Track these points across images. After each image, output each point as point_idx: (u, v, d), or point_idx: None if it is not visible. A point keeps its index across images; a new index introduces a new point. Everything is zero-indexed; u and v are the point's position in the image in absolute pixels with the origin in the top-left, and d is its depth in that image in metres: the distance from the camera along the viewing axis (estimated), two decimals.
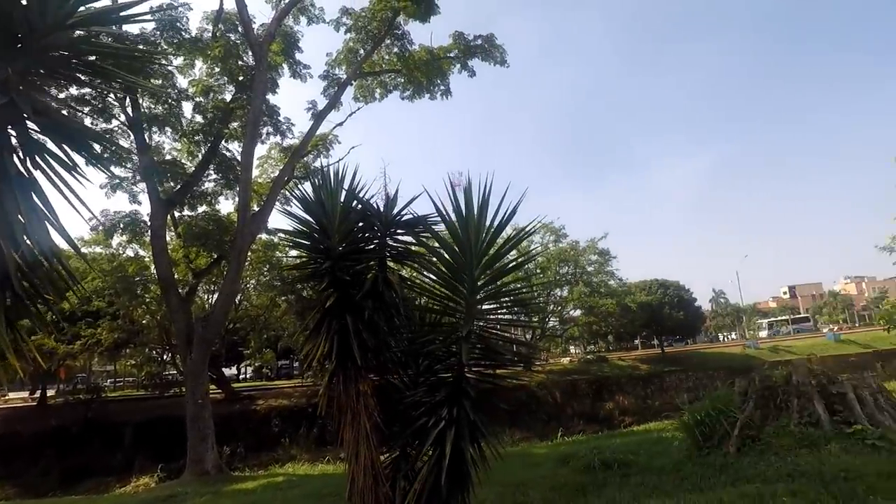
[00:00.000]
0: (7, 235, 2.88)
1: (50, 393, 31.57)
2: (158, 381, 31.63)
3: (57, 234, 3.27)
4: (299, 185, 7.30)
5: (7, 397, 34.76)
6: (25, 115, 2.95)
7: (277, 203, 19.16)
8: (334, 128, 23.29)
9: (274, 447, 24.32)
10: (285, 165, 20.91)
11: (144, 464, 22.99)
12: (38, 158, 3.15)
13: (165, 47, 17.64)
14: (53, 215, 3.29)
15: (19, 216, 3.03)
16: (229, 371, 37.73)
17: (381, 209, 5.35)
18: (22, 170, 3.13)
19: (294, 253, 7.77)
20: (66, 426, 26.24)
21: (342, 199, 5.15)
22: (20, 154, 3.15)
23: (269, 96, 21.09)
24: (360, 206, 5.26)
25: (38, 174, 3.13)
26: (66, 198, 3.23)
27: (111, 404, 29.33)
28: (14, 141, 3.09)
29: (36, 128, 3.19)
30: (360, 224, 5.29)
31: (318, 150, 23.76)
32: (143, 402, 30.21)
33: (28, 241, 3.07)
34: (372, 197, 5.42)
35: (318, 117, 21.22)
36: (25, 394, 35.35)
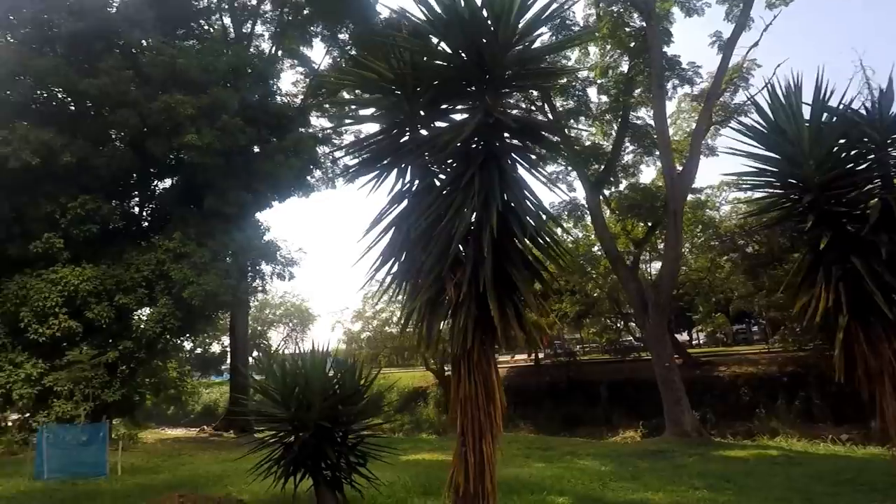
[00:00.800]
0: (513, 223, 3.63)
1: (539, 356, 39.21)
2: (617, 346, 34.74)
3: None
4: (740, 121, 6.38)
5: (515, 358, 45.22)
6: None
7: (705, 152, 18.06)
8: (748, 52, 19.98)
9: (747, 417, 22.58)
10: (701, 113, 19.30)
11: (620, 419, 25.53)
12: (514, 155, 3.96)
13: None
14: (534, 204, 4.02)
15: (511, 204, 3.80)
16: (681, 337, 37.62)
17: (871, 113, 4.04)
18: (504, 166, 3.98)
19: (735, 198, 6.85)
20: (555, 382, 32.05)
21: (807, 118, 4.15)
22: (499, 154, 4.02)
23: (665, 49, 19.96)
24: (834, 118, 4.12)
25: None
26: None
27: (584, 366, 33.94)
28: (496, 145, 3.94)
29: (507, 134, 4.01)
30: (842, 141, 4.12)
31: (734, 85, 20.89)
32: (608, 364, 33.62)
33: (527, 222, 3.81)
34: (848, 104, 4.19)
35: (727, 46, 18.65)
36: (524, 355, 45.18)
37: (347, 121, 20.08)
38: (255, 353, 36.54)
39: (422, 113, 4.72)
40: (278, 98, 21.03)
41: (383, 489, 7.01)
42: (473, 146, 4.32)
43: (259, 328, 40.94)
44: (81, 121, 16.79)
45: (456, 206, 4.18)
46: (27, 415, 16.38)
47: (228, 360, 40.08)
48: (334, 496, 5.56)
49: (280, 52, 23.83)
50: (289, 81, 24.29)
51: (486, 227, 3.94)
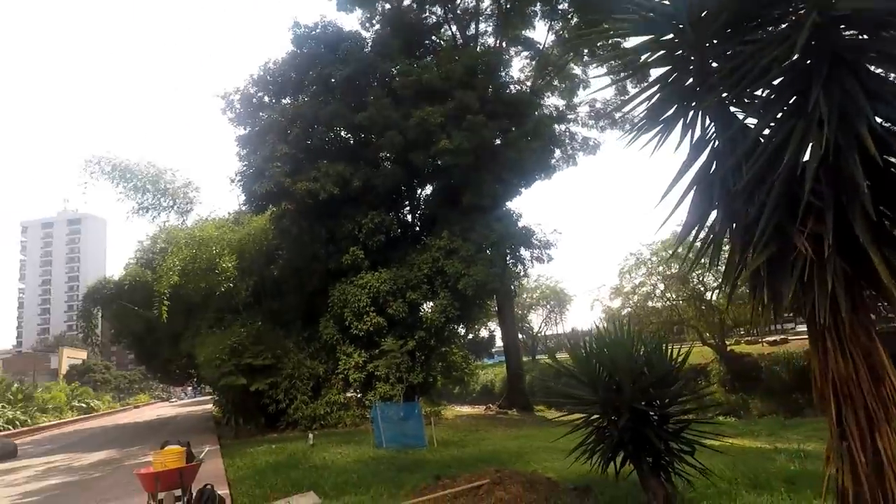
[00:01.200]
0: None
1: None
2: None
3: None
4: None
5: None
6: None
7: None
8: None
9: None
10: None
11: None
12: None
13: None
14: None
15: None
16: None
17: None
18: None
19: None
20: None
21: None
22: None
23: None
24: None
25: None
26: None
27: None
28: None
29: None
30: None
31: None
32: None
33: None
34: None
35: None
36: None
37: (609, 78, 19.15)
38: (520, 336, 38.61)
39: (714, 42, 3.88)
40: (511, 88, 21.57)
41: (701, 480, 6.29)
42: (802, 59, 3.34)
43: (519, 312, 43.02)
44: (360, 150, 20.02)
45: (797, 138, 3.29)
46: (359, 395, 20.37)
47: (500, 344, 43.33)
48: (661, 484, 5.14)
49: (504, 43, 24.43)
50: (517, 69, 24.75)
51: (851, 154, 3.00)
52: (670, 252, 33.66)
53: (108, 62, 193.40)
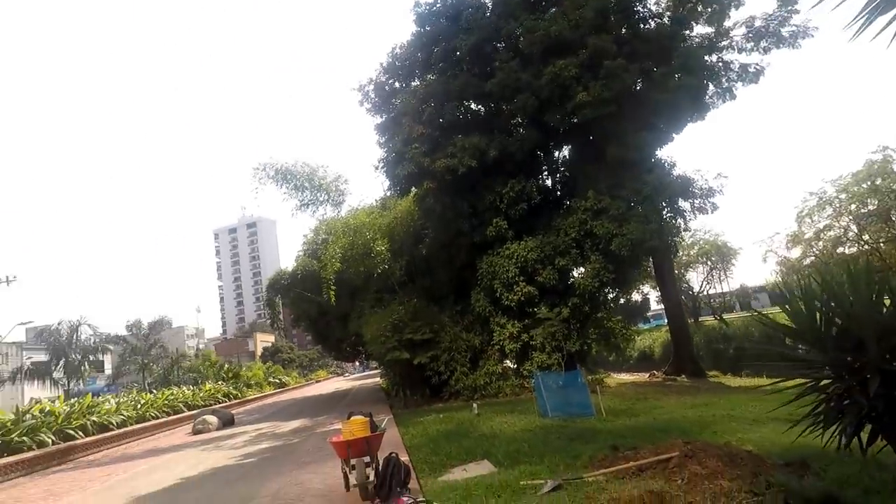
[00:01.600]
0: None
1: None
2: None
3: None
4: None
5: None
6: None
7: None
8: None
9: None
10: None
11: None
12: None
13: None
14: None
15: None
16: None
17: None
18: None
19: None
20: None
21: None
22: None
23: None
24: None
25: None
26: None
27: None
28: None
29: None
30: None
31: None
32: None
33: None
34: None
35: None
36: None
37: None
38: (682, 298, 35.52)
39: None
40: (650, 23, 19.32)
41: None
42: None
43: (676, 272, 39.61)
44: (493, 120, 19.64)
45: None
46: (514, 365, 20.40)
47: (655, 307, 40.41)
48: None
49: None
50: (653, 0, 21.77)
51: None
52: (867, 185, 28.11)
53: (257, 73, 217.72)
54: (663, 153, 19.41)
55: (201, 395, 27.24)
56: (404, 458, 9.27)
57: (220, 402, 28.13)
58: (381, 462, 6.53)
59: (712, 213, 17.66)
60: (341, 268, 20.86)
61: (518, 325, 18.60)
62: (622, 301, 27.67)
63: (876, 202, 27.97)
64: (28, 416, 14.80)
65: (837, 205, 29.90)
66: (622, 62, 15.82)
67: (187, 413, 22.82)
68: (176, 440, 17.29)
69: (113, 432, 17.21)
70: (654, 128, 16.96)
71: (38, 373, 36.16)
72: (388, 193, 23.75)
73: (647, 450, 7.59)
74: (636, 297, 30.32)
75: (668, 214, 17.65)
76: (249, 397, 33.78)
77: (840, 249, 31.57)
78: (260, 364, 50.78)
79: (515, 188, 17.89)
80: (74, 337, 37.36)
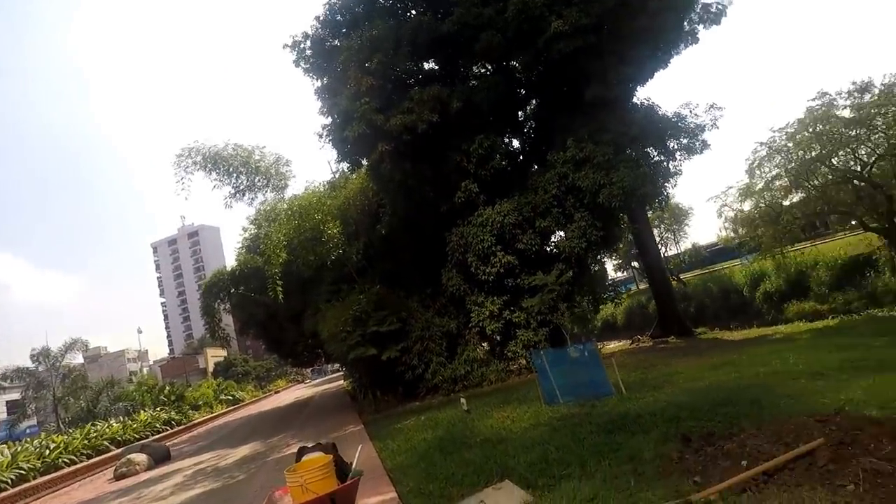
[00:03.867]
0: None
1: None
2: None
3: None
4: None
5: None
6: None
7: None
8: None
9: None
10: None
11: None
12: None
13: None
14: None
15: None
16: None
17: None
18: None
19: None
20: None
21: None
22: None
23: None
24: None
25: None
26: None
27: None
28: None
29: None
30: None
31: None
32: None
33: None
34: None
35: None
36: None
37: None
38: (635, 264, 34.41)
39: None
40: None
41: None
42: None
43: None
44: (454, 66, 16.97)
45: None
46: (499, 347, 18.06)
47: (617, 275, 39.16)
48: None
49: None
50: None
51: None
52: (811, 130, 27.74)
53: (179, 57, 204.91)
54: (645, 91, 17.39)
55: (135, 426, 23.12)
56: (388, 494, 6.64)
57: (158, 433, 24.27)
58: None
59: (702, 152, 15.77)
60: (287, 258, 17.81)
61: (498, 301, 16.21)
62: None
63: (818, 148, 27.67)
64: None
65: (786, 153, 29.40)
66: None
67: (115, 452, 18.94)
68: (90, 491, 13.67)
69: (7, 493, 13.49)
70: (637, 60, 14.82)
71: None
72: (337, 170, 20.81)
73: (739, 438, 5.33)
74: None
75: (659, 157, 15.62)
76: (196, 420, 29.89)
77: (790, 196, 31.27)
78: (210, 381, 46.36)
79: (484, 145, 15.37)
80: None
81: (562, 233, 16.36)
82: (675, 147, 15.57)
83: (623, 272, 47.05)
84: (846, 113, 27.31)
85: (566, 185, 14.94)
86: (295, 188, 24.51)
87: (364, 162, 17.85)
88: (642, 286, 42.12)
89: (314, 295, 20.68)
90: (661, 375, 12.01)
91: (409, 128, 14.61)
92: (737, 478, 4.22)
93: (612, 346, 25.42)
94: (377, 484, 6.97)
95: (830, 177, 28.97)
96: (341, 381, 37.80)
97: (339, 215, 18.67)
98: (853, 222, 31.47)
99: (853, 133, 27.86)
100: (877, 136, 27.68)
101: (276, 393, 53.03)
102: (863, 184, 27.78)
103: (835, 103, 28.28)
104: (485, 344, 18.10)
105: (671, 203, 40.41)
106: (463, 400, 12.38)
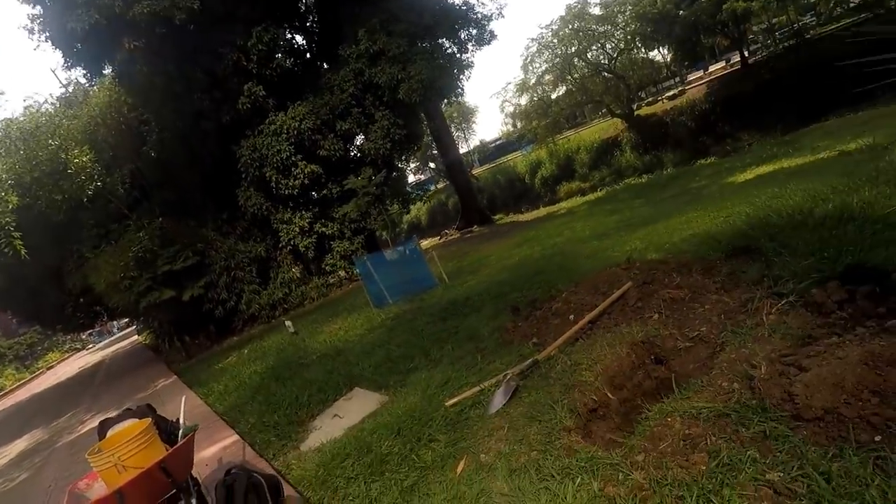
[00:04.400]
0: None
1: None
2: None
3: None
4: None
5: (709, 70, 37.67)
6: None
7: None
8: None
9: None
10: None
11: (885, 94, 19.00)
12: None
13: None
14: None
15: None
16: None
17: None
18: None
19: None
20: (778, 77, 25.85)
21: None
22: None
23: None
24: None
25: None
26: None
27: (820, 43, 26.16)
28: None
29: None
30: None
31: None
32: (857, 28, 25.20)
33: None
34: None
35: None
36: (720, 64, 37.23)
37: None
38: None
39: None
40: None
41: None
42: None
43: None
44: None
45: None
46: (313, 264, 17.30)
47: (413, 178, 40.36)
48: None
49: None
50: None
51: None
52: (571, 27, 31.11)
53: None
54: None
55: None
56: (230, 438, 5.88)
57: None
58: (212, 491, 3.17)
59: (490, 43, 16.14)
60: (24, 202, 13.80)
61: (307, 215, 15.22)
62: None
63: (576, 44, 31.31)
64: None
65: (552, 49, 32.55)
66: None
67: None
68: None
69: None
70: None
71: None
72: (69, 80, 16.23)
73: (562, 297, 5.84)
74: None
75: (452, 48, 15.50)
76: None
77: (558, 90, 35.30)
78: None
79: (264, 39, 13.28)
80: None
81: (363, 136, 15.67)
82: (466, 38, 15.61)
83: (420, 175, 48.59)
84: (597, 10, 30.88)
85: (363, 83, 14.03)
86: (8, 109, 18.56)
87: (107, 68, 14.15)
88: (440, 185, 44.38)
89: (74, 243, 16.78)
90: (475, 261, 12.80)
91: (164, 17, 11.73)
92: (569, 332, 4.56)
93: (425, 243, 26.55)
94: (212, 432, 6.14)
95: (586, 70, 33.18)
96: (136, 337, 33.10)
97: (85, 139, 14.88)
98: (604, 110, 37.06)
99: (602, 29, 31.91)
100: (619, 32, 32.16)
101: (49, 369, 44.31)
102: (609, 75, 32.50)
103: (588, 1, 31.68)
104: (300, 263, 17.16)
105: (460, 102, 42.13)
106: (288, 323, 11.65)
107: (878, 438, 2.25)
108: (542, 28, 31.21)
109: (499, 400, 3.96)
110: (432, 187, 45.20)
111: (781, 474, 2.24)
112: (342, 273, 16.86)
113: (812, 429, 2.46)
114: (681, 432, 2.75)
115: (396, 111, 14.15)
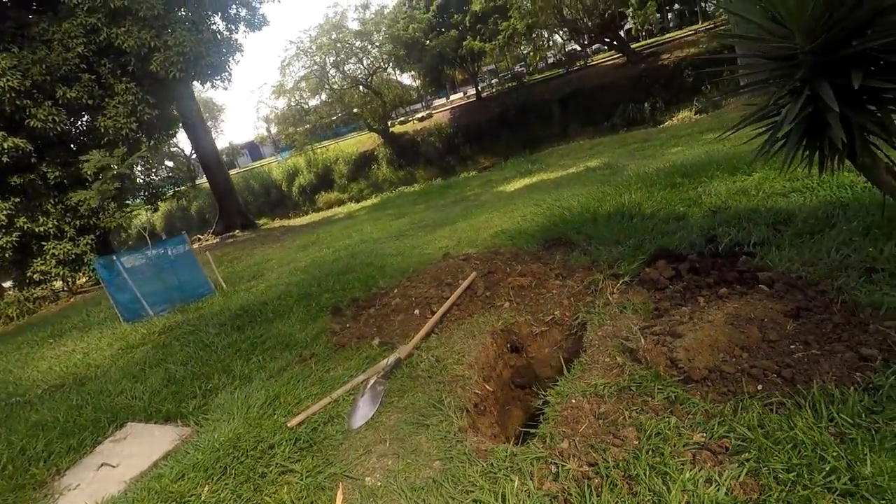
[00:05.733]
0: None
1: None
2: (563, 58, 34.07)
3: None
4: None
5: (450, 98, 42.66)
6: None
7: None
8: None
9: (691, 98, 22.05)
10: None
11: (577, 128, 25.61)
12: None
13: None
14: None
15: None
16: None
17: None
18: None
19: None
20: (505, 111, 31.59)
21: None
22: None
23: None
24: None
25: None
26: None
27: (534, 87, 32.60)
28: None
29: None
30: None
31: None
32: (556, 80, 32.50)
33: None
34: None
35: None
36: (459, 95, 42.54)
37: None
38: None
39: None
40: None
41: None
42: None
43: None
44: None
45: None
46: (14, 273, 12.96)
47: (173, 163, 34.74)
48: None
49: None
50: None
51: None
52: (330, 37, 31.32)
53: None
54: None
55: None
56: None
57: None
58: None
59: (261, 28, 14.60)
60: None
61: (5, 205, 11.26)
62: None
63: (335, 55, 31.76)
64: None
65: (310, 55, 32.21)
66: None
67: None
68: None
69: None
70: None
71: None
72: None
73: (400, 290, 5.38)
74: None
75: (220, 24, 13.44)
76: None
77: (316, 98, 34.97)
78: None
79: None
80: None
81: (101, 112, 12.38)
82: (236, 16, 13.78)
83: (154, 173, 41.70)
84: (355, 25, 31.54)
85: (98, 44, 11.09)
86: None
87: None
88: (183, 188, 38.76)
89: None
90: (252, 265, 11.44)
91: None
92: (427, 325, 4.27)
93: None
94: None
95: (345, 82, 33.49)
96: None
97: None
98: (361, 122, 37.98)
99: (359, 44, 32.68)
100: (375, 50, 33.39)
101: None
102: (366, 90, 33.43)
103: (346, 14, 32.07)
104: None
105: (204, 96, 37.65)
106: None
107: (759, 388, 2.54)
108: (301, 32, 30.30)
109: (365, 409, 3.38)
110: (170, 190, 39.39)
111: (704, 434, 2.34)
112: (58, 283, 13.06)
113: (702, 388, 2.66)
114: (594, 412, 2.70)
115: (146, 86, 11.61)
